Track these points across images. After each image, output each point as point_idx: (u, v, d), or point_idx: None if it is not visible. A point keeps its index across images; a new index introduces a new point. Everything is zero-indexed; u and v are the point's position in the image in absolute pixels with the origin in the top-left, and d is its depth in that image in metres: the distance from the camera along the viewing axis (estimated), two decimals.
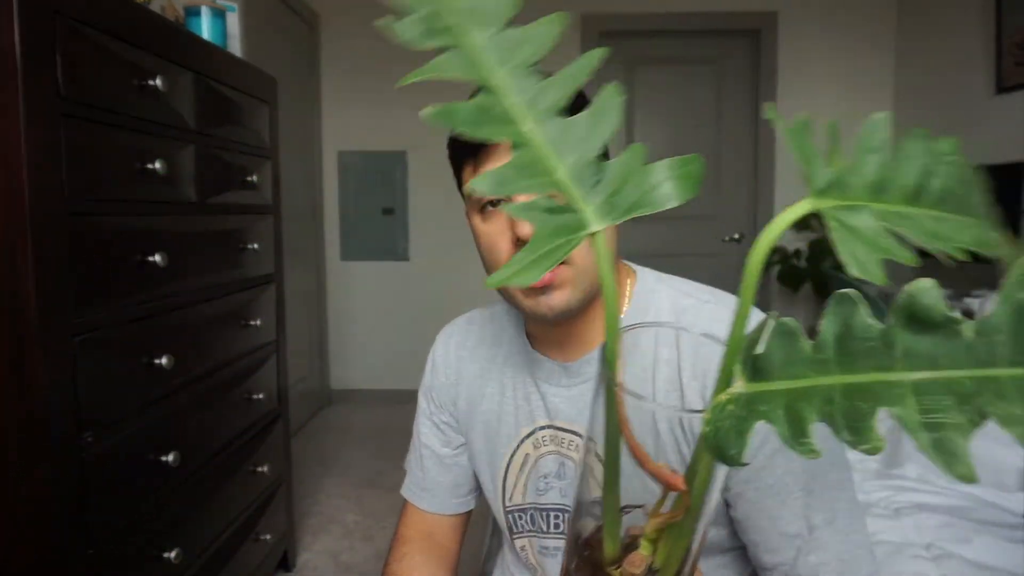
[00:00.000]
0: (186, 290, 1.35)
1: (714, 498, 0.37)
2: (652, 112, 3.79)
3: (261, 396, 1.71)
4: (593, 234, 0.32)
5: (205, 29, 1.61)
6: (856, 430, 0.24)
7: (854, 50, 3.67)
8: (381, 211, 3.77)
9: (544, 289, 0.67)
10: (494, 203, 0.70)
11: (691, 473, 0.34)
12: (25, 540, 0.99)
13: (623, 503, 0.40)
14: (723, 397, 0.28)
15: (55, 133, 0.98)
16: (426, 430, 0.90)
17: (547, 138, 0.32)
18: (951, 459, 0.22)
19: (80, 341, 1.03)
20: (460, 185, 0.76)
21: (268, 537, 1.77)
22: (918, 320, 0.24)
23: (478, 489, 0.90)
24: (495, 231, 0.70)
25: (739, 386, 0.28)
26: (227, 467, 1.54)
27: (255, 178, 1.69)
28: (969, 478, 0.22)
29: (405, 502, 0.92)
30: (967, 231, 0.30)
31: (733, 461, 0.27)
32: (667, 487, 0.36)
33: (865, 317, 0.26)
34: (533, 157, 0.32)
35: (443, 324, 0.93)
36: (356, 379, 3.87)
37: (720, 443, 0.27)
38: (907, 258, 0.28)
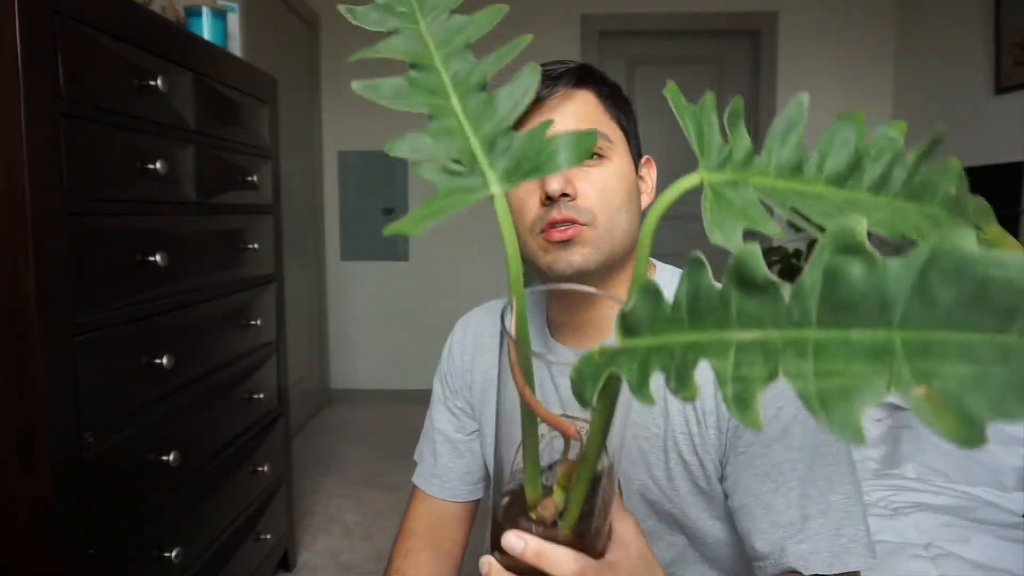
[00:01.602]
0: (186, 290, 1.35)
1: (613, 446, 0.41)
2: (652, 112, 3.78)
3: (261, 396, 1.71)
4: (492, 197, 0.35)
5: (206, 29, 1.61)
6: (680, 379, 0.26)
7: (854, 50, 3.67)
8: (381, 211, 3.77)
9: (564, 244, 0.70)
10: None
11: (592, 423, 0.37)
12: (25, 540, 0.99)
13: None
14: (595, 349, 0.30)
15: (55, 133, 0.98)
16: (440, 416, 0.92)
17: (467, 110, 0.36)
18: (744, 408, 0.24)
19: (80, 341, 1.03)
20: None
21: (268, 537, 1.77)
22: (745, 283, 0.26)
23: (487, 479, 0.91)
24: (525, 191, 0.73)
25: (614, 340, 0.30)
26: (227, 467, 1.54)
27: (255, 178, 1.69)
28: (755, 425, 0.24)
29: (413, 492, 0.93)
30: (906, 217, 0.31)
31: (587, 403, 0.30)
32: (561, 433, 0.39)
33: (710, 280, 0.28)
34: (451, 126, 0.35)
35: (443, 324, 0.94)
36: (356, 379, 3.87)
37: (579, 388, 0.30)
38: (772, 230, 0.31)
